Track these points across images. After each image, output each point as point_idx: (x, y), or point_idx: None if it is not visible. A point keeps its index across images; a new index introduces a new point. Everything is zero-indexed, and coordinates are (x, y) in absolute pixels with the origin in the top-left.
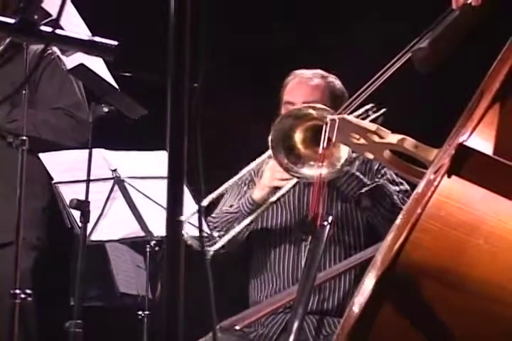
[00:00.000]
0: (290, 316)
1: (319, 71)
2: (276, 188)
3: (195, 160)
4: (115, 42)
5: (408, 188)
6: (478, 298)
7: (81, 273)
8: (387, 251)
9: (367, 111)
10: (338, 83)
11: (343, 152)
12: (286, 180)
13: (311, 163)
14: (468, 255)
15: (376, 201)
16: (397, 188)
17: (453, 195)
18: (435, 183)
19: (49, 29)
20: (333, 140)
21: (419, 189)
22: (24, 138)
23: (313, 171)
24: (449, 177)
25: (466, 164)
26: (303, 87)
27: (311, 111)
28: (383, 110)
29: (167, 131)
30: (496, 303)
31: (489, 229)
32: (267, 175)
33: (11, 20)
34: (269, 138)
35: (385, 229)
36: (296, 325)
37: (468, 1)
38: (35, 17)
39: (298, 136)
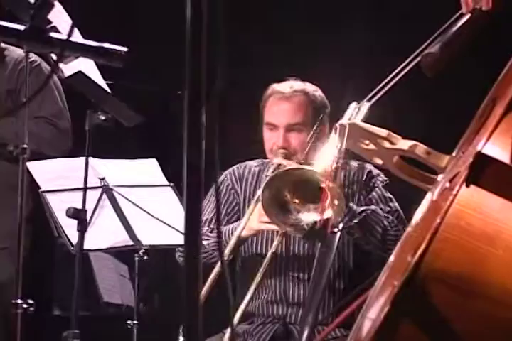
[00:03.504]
0: (300, 324)
1: (299, 84)
2: (260, 231)
3: (214, 169)
4: (124, 49)
5: (397, 206)
6: (499, 307)
7: (78, 282)
8: (403, 263)
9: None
10: (319, 95)
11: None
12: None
13: (307, 210)
14: (488, 265)
15: (367, 230)
16: (386, 208)
17: (472, 204)
18: (454, 192)
19: (60, 36)
20: (343, 145)
21: (433, 197)
22: (25, 146)
23: (310, 216)
24: (467, 186)
25: (485, 173)
26: (284, 106)
27: (299, 171)
28: (366, 104)
29: (184, 143)
30: None
31: (509, 239)
32: (255, 218)
33: (21, 27)
34: (261, 201)
35: (377, 252)
36: (306, 333)
37: (478, 6)
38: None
39: (287, 193)
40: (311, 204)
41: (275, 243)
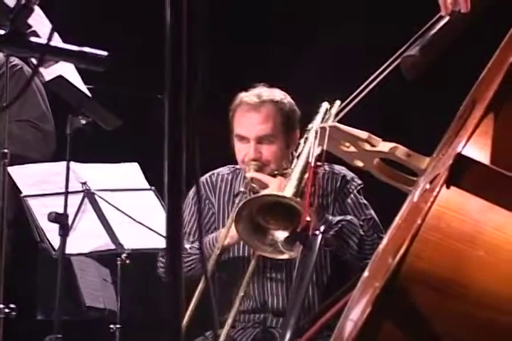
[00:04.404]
0: (281, 327)
1: (266, 93)
2: None
3: (194, 173)
4: (105, 53)
5: (372, 214)
6: (480, 307)
7: (60, 287)
8: (384, 265)
9: (326, 110)
10: (287, 102)
11: None
12: None
13: (282, 229)
14: (469, 266)
15: (343, 241)
16: (362, 216)
17: (452, 205)
18: (434, 193)
19: (40, 40)
20: (324, 148)
21: (414, 198)
22: (5, 151)
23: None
24: (447, 187)
25: (465, 174)
26: (253, 118)
27: (269, 198)
28: (338, 103)
29: (165, 146)
30: (497, 313)
31: (489, 240)
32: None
33: (1, 31)
34: (237, 233)
35: (354, 262)
36: (288, 336)
37: (457, 9)
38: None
39: (260, 218)
40: (286, 222)
41: (252, 263)
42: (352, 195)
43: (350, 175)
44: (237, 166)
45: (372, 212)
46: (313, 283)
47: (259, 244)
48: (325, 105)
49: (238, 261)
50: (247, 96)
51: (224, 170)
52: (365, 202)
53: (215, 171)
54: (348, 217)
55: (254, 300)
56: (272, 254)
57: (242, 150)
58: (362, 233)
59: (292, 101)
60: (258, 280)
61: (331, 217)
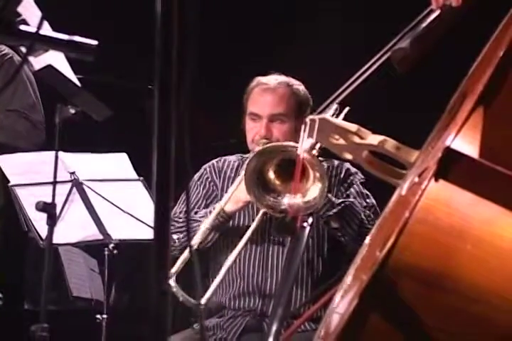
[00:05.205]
0: (269, 318)
1: (283, 78)
2: (249, 202)
3: (184, 164)
4: (95, 42)
5: (374, 202)
6: (467, 301)
7: (47, 276)
8: (371, 257)
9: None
10: (302, 89)
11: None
12: None
13: (288, 194)
14: (457, 260)
15: (345, 222)
16: (364, 203)
17: (440, 199)
18: (422, 187)
19: (30, 29)
20: (313, 139)
21: (402, 191)
22: None
23: (291, 199)
24: (436, 181)
25: (454, 168)
26: (268, 97)
27: (282, 148)
28: (347, 109)
29: (154, 137)
30: (486, 307)
31: (477, 233)
32: (243, 189)
33: None
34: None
35: (352, 245)
36: (275, 326)
37: (448, 2)
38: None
39: (271, 172)
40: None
41: (255, 223)
42: (355, 186)
43: (354, 169)
44: (245, 155)
45: (373, 201)
46: (308, 268)
47: (259, 199)
48: (334, 107)
49: (240, 230)
50: (265, 79)
51: (231, 158)
52: (367, 192)
53: (223, 157)
54: (351, 200)
55: (246, 283)
56: (272, 213)
57: (254, 129)
58: (363, 216)
59: (306, 90)
60: (258, 260)
61: (333, 198)
